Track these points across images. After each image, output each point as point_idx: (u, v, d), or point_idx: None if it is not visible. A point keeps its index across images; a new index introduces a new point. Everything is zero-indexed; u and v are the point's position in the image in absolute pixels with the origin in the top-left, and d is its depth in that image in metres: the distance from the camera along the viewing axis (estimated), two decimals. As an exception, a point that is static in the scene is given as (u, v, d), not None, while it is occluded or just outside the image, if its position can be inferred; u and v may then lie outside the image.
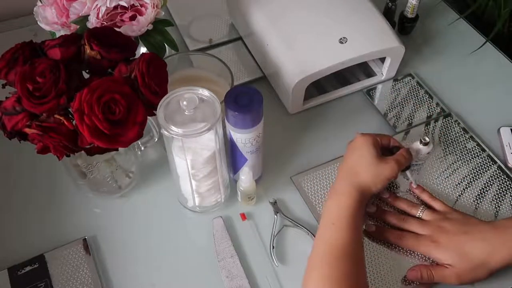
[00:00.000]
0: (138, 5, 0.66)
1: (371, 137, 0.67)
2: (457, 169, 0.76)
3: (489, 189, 0.73)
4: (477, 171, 0.75)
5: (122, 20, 0.66)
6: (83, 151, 0.59)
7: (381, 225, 0.69)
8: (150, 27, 0.68)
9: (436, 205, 0.69)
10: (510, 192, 0.73)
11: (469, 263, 0.61)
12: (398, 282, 0.64)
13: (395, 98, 0.86)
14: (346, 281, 0.55)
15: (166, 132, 0.56)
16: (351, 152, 0.67)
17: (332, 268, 0.56)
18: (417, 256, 0.66)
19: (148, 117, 0.58)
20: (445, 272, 0.62)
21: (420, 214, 0.68)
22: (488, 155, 0.77)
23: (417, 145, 0.71)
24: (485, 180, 0.74)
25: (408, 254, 0.67)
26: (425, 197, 0.71)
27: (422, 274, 0.63)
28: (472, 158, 0.77)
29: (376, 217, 0.70)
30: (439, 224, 0.65)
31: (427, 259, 0.66)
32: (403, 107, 0.84)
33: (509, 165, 0.75)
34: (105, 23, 0.66)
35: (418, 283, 0.64)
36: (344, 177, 0.65)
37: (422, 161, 0.73)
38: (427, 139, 0.70)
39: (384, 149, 0.69)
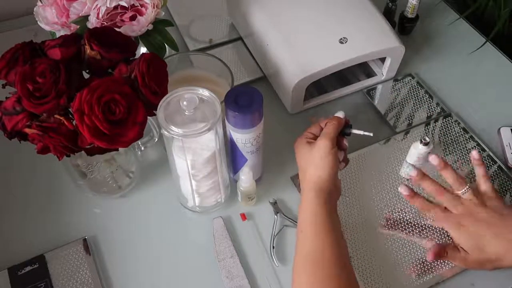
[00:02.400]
0: (138, 5, 0.66)
1: (301, 137, 0.67)
2: (457, 169, 0.76)
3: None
4: (477, 171, 0.75)
5: (122, 20, 0.66)
6: (83, 151, 0.59)
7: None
8: (150, 27, 0.68)
9: (485, 186, 0.67)
10: (510, 192, 0.73)
11: (482, 256, 0.61)
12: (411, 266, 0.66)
13: (395, 98, 0.86)
14: (326, 285, 0.55)
15: (166, 132, 0.56)
16: (297, 158, 0.67)
17: (308, 275, 0.56)
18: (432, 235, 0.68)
19: (148, 117, 0.58)
20: (456, 254, 0.63)
21: (464, 192, 0.66)
22: (488, 155, 0.77)
23: (417, 145, 0.71)
24: (485, 180, 0.74)
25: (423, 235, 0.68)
26: (481, 171, 0.68)
27: (441, 252, 0.64)
28: (472, 158, 0.77)
29: (413, 182, 0.68)
30: (473, 208, 0.64)
31: (443, 238, 0.67)
32: (403, 107, 0.84)
33: (509, 165, 0.75)
34: (105, 23, 0.66)
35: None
36: (302, 181, 0.64)
37: (422, 161, 0.73)
38: (427, 139, 0.70)
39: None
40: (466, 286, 0.65)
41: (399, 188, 0.68)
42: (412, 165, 0.70)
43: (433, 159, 0.68)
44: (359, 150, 0.78)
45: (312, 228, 0.59)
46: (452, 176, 0.67)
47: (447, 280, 0.65)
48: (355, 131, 0.67)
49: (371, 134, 0.67)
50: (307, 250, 0.58)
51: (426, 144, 0.70)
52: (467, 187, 0.66)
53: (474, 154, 0.69)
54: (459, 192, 0.66)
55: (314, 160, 0.63)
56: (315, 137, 0.66)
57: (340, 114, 0.67)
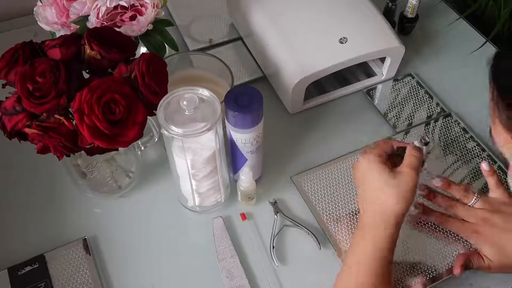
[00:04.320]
0: (138, 5, 0.66)
1: (375, 155, 0.60)
2: (457, 169, 0.76)
3: (489, 189, 0.73)
4: (477, 171, 0.75)
5: (122, 20, 0.66)
6: (83, 151, 0.59)
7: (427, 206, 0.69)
8: (150, 27, 0.68)
9: (497, 192, 0.66)
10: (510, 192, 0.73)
11: (505, 261, 0.61)
12: (442, 269, 0.66)
13: (395, 98, 0.86)
14: None
15: (166, 132, 0.56)
16: (361, 179, 0.61)
17: None
18: (459, 243, 0.67)
19: (148, 117, 0.58)
20: (481, 263, 0.62)
21: (474, 202, 0.66)
22: (488, 155, 0.77)
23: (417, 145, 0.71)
24: (485, 180, 0.74)
25: (451, 239, 0.68)
26: (493, 181, 0.67)
27: (467, 263, 0.63)
28: (472, 158, 0.77)
29: (424, 198, 0.69)
30: (487, 215, 0.64)
31: (469, 245, 0.67)
32: (403, 107, 0.84)
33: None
34: (105, 23, 0.66)
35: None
36: (368, 209, 0.59)
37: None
38: (427, 139, 0.70)
39: (391, 156, 0.63)
40: (466, 286, 0.65)
41: (411, 208, 0.68)
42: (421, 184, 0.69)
43: (437, 182, 0.68)
44: (360, 150, 0.78)
45: (368, 267, 0.55)
46: (459, 190, 0.67)
47: (446, 280, 0.65)
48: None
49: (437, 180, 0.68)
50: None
51: (426, 144, 0.70)
52: (475, 196, 0.66)
53: (484, 166, 0.67)
54: (470, 203, 0.66)
55: (398, 190, 0.57)
56: (387, 158, 0.61)
57: (418, 144, 0.65)
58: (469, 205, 0.66)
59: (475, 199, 0.66)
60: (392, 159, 0.62)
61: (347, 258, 0.59)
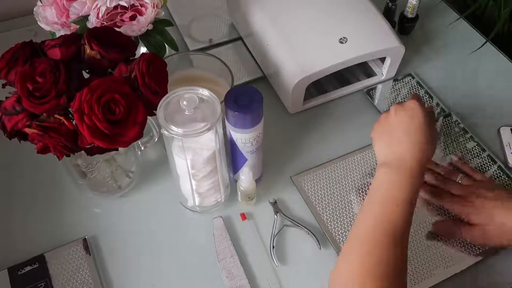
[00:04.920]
0: (138, 5, 0.66)
1: (425, 110, 0.62)
2: (457, 169, 0.76)
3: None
4: (477, 171, 0.75)
5: (122, 20, 0.67)
6: (83, 151, 0.59)
7: None
8: (150, 27, 0.68)
9: (478, 176, 0.72)
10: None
11: (499, 228, 0.62)
12: (423, 237, 0.68)
13: (395, 98, 0.86)
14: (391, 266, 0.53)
15: (166, 132, 0.56)
16: (409, 121, 0.62)
17: (384, 249, 0.53)
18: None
19: (148, 117, 0.58)
20: (474, 232, 0.64)
21: (460, 179, 0.70)
22: (488, 155, 0.77)
23: None
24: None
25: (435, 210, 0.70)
26: (466, 168, 0.73)
27: (451, 228, 0.66)
28: (472, 158, 0.77)
29: None
30: (477, 189, 0.67)
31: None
32: (403, 107, 0.84)
33: (509, 165, 0.75)
34: (105, 23, 0.66)
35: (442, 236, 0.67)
36: (410, 149, 0.60)
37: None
38: None
39: None
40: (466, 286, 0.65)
41: None
42: None
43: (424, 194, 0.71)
44: (361, 149, 0.78)
45: (413, 204, 0.57)
46: (444, 169, 0.74)
47: (447, 280, 0.65)
48: None
49: None
50: (399, 224, 0.55)
51: None
52: (461, 174, 0.72)
53: (454, 159, 0.76)
54: (457, 180, 0.72)
55: (434, 144, 0.63)
56: None
57: None
58: (457, 181, 0.71)
59: (460, 177, 0.71)
60: None
61: (384, 193, 0.58)
